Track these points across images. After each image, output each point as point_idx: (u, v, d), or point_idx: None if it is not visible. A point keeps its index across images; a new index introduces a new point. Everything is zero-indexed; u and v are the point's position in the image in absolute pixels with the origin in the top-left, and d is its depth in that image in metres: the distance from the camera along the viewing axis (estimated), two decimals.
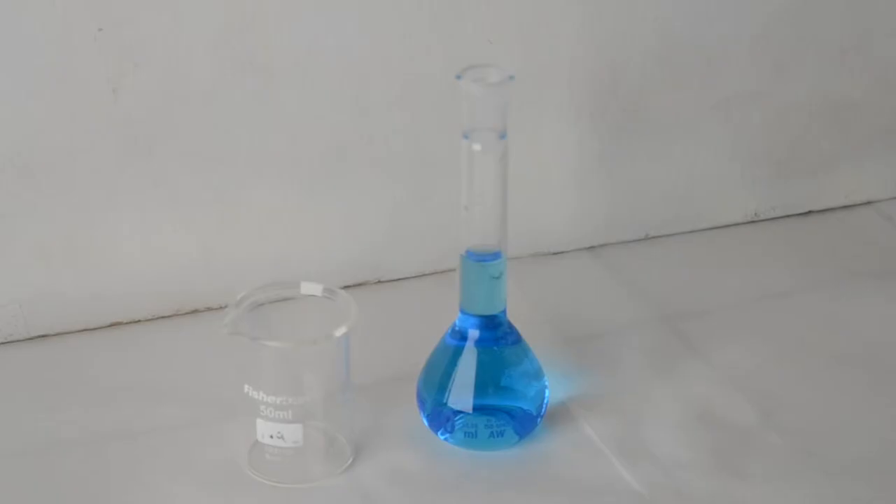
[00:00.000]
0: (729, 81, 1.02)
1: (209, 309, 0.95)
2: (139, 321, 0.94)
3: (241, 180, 0.93)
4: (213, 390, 0.85)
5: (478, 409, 0.80)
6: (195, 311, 0.95)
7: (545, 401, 0.82)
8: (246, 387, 0.78)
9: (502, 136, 0.76)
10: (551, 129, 0.99)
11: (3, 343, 0.91)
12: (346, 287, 0.92)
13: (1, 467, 0.81)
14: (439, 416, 0.81)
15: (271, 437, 0.78)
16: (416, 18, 0.92)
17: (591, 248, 1.03)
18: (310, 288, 0.80)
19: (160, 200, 0.91)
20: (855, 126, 1.06)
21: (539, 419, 0.82)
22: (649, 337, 0.93)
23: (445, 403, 0.81)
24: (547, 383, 0.83)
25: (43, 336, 0.92)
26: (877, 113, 1.06)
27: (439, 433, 0.82)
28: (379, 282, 0.99)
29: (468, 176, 0.77)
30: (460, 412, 0.81)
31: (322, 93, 0.92)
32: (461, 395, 0.80)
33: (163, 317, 0.95)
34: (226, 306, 0.79)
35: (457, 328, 0.81)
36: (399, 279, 0.99)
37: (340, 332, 0.77)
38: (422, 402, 0.82)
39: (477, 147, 0.76)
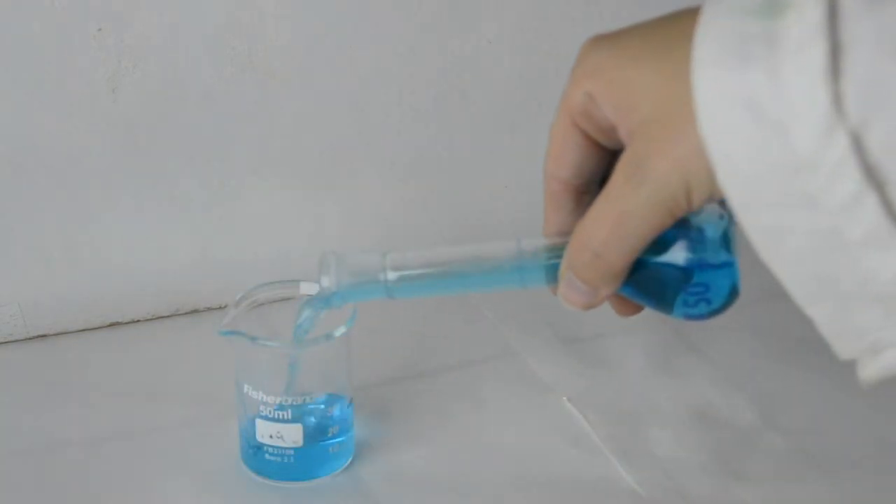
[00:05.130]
0: None
1: (209, 309, 0.95)
2: (139, 321, 0.94)
3: (240, 180, 0.92)
4: (213, 390, 0.85)
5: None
6: (195, 311, 0.95)
7: None
8: (246, 387, 0.78)
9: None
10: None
11: (2, 343, 0.91)
12: None
13: (1, 467, 0.80)
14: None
15: (271, 437, 0.78)
16: (415, 18, 0.92)
17: None
18: (309, 288, 0.80)
19: (159, 200, 0.91)
20: None
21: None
22: (650, 337, 0.92)
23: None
24: None
25: (42, 336, 0.92)
26: None
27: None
28: None
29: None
30: None
31: (322, 93, 0.92)
32: None
33: (162, 317, 0.94)
34: (225, 306, 0.79)
35: None
36: None
37: (340, 332, 0.77)
38: None
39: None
